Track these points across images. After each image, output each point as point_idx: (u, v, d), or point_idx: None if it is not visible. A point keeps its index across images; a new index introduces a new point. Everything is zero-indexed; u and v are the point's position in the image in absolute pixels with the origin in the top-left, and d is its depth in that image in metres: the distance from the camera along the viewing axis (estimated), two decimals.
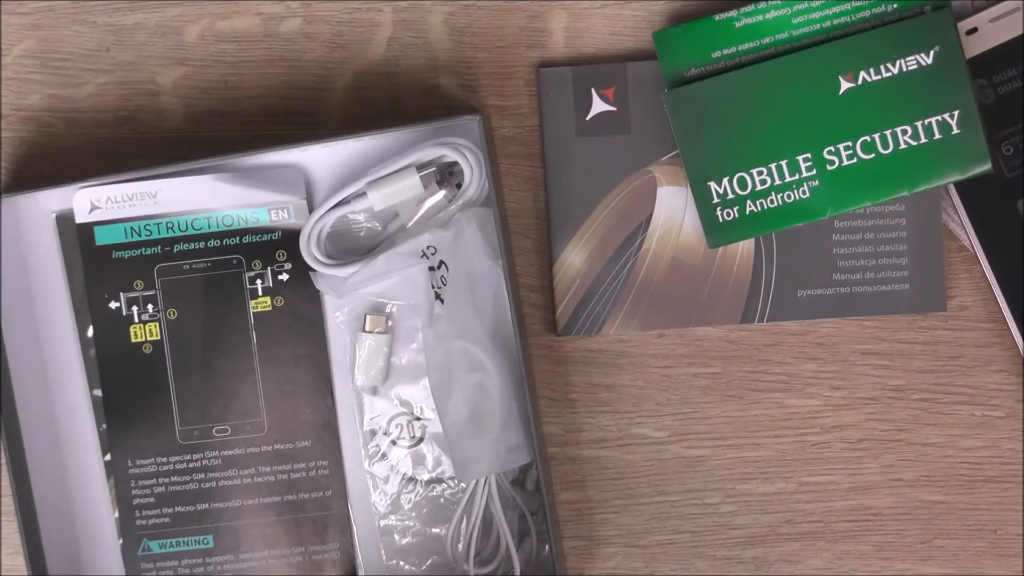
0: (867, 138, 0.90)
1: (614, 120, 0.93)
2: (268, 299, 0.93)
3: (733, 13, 0.91)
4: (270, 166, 0.92)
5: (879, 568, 0.95)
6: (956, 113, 0.89)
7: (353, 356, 0.93)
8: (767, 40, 0.91)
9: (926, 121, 0.89)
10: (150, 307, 0.93)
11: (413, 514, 0.93)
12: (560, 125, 0.93)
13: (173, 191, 0.92)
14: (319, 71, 0.94)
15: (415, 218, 0.91)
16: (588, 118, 0.93)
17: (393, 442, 0.93)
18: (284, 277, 0.93)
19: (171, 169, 0.91)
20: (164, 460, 0.93)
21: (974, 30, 0.91)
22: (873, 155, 0.90)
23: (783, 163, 0.90)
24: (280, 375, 0.93)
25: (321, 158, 0.92)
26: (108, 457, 0.93)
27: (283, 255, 0.93)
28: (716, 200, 0.91)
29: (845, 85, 0.90)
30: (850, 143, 0.90)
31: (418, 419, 0.93)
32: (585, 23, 0.93)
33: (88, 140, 0.95)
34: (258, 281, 0.93)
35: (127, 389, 0.93)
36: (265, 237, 0.92)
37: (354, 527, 0.94)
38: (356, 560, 0.94)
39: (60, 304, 0.93)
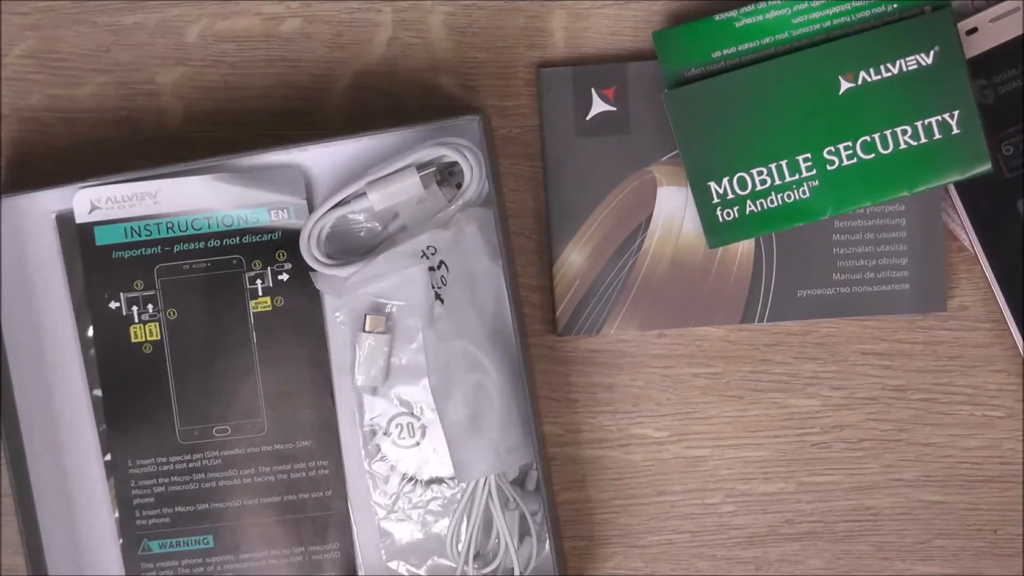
0: (867, 138, 0.90)
1: (614, 120, 0.93)
2: (268, 299, 0.93)
3: (733, 13, 0.91)
4: (270, 166, 0.92)
5: (879, 568, 0.95)
6: (956, 113, 0.89)
7: (353, 356, 0.93)
8: (767, 40, 0.91)
9: (926, 121, 0.89)
10: (150, 307, 0.93)
11: (413, 514, 0.93)
12: (560, 125, 0.93)
13: (173, 191, 0.92)
14: (319, 71, 0.94)
15: (415, 218, 0.91)
16: (588, 118, 0.93)
17: (393, 442, 0.93)
18: (284, 277, 0.93)
19: (171, 169, 0.91)
20: (164, 460, 0.93)
21: (974, 30, 0.91)
22: (873, 155, 0.90)
23: (783, 163, 0.90)
24: (280, 375, 0.93)
25: (321, 158, 0.92)
26: (108, 457, 0.93)
27: (283, 255, 0.93)
28: (716, 200, 0.91)
29: (845, 85, 0.90)
30: (850, 143, 0.90)
31: (418, 419, 0.93)
32: (585, 23, 0.93)
33: (88, 140, 0.95)
34: (258, 281, 0.93)
35: (127, 389, 0.93)
36: (265, 237, 0.92)
37: (354, 527, 0.94)
38: (356, 560, 0.94)
39: (60, 304, 0.93)
